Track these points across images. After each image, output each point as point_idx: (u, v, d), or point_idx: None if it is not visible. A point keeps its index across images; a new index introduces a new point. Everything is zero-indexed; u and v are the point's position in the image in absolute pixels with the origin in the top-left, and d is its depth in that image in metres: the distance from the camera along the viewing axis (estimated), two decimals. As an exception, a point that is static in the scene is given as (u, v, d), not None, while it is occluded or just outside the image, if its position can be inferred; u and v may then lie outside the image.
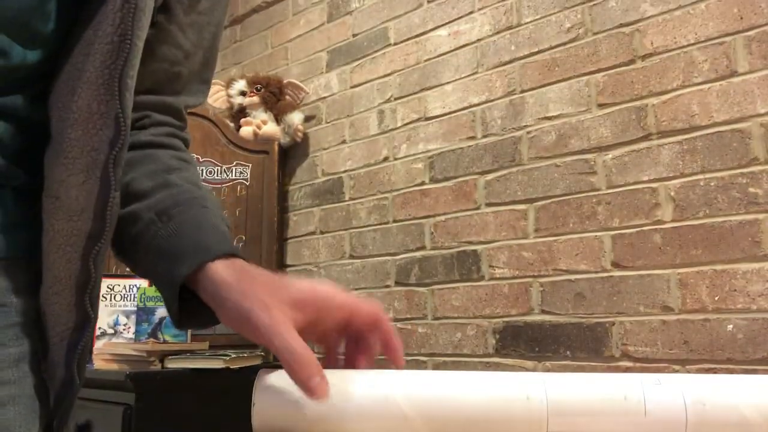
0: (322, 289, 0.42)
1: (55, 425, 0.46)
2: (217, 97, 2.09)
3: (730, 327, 1.16)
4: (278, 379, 0.42)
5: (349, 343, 0.45)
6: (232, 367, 1.57)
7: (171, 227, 0.45)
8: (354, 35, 1.96)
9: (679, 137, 1.27)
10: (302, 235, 1.97)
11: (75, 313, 0.44)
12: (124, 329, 1.79)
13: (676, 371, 1.21)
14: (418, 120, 1.73)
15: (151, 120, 0.52)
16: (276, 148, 2.00)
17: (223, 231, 0.46)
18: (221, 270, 0.42)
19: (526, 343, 1.42)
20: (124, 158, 0.44)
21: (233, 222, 1.99)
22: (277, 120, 2.01)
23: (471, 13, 1.67)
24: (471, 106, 1.62)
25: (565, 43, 1.47)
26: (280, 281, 0.42)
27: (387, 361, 0.43)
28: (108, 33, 0.41)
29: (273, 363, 1.83)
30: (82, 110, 0.41)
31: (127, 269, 1.93)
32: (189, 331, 1.73)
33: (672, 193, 1.26)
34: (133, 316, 1.77)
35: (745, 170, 1.18)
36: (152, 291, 1.75)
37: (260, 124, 1.98)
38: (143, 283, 1.85)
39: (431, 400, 0.41)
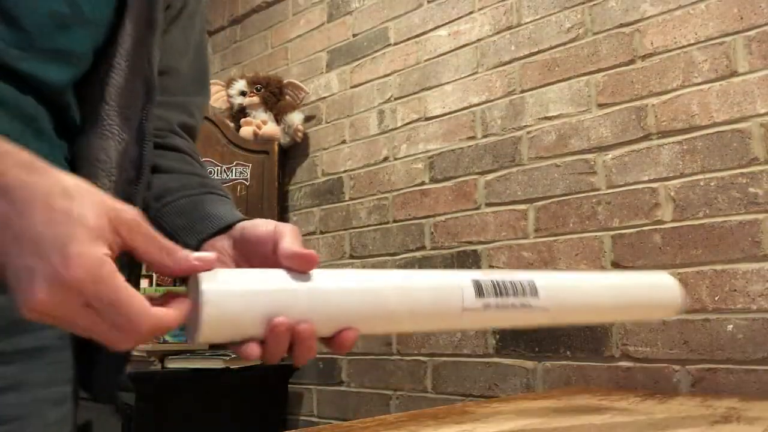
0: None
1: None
2: (217, 97, 2.09)
3: (730, 327, 1.16)
4: (230, 277, 0.42)
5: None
6: (232, 367, 1.57)
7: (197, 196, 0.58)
8: (354, 35, 1.96)
9: (679, 137, 1.27)
10: (302, 235, 1.97)
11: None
12: (124, 329, 1.79)
13: (676, 371, 1.21)
14: (418, 120, 1.73)
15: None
16: (276, 148, 2.00)
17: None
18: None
19: (526, 343, 1.42)
20: (153, 113, 0.54)
21: (233, 222, 1.99)
22: (277, 120, 2.01)
23: (471, 13, 1.67)
24: (471, 106, 1.62)
25: (565, 43, 1.47)
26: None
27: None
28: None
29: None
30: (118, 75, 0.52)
31: (127, 269, 1.94)
32: (189, 331, 1.73)
33: (672, 193, 1.26)
34: (133, 316, 1.77)
35: (745, 170, 1.18)
36: (152, 291, 1.75)
37: (260, 124, 1.98)
38: (143, 283, 1.85)
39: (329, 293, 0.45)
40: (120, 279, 0.35)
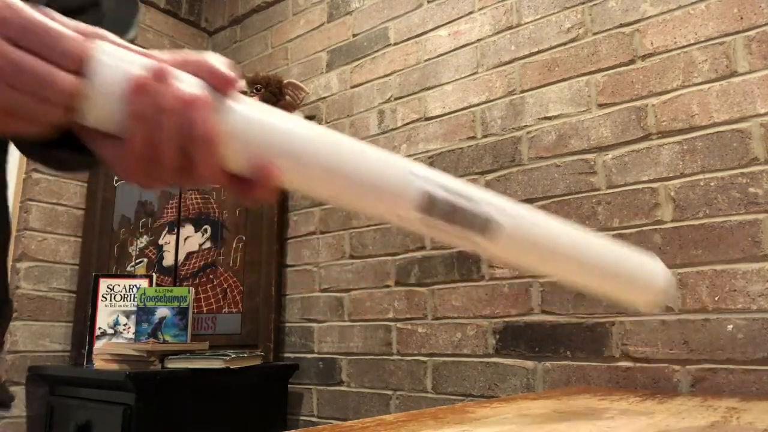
0: None
1: None
2: (217, 97, 2.09)
3: (730, 327, 1.16)
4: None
5: None
6: (232, 367, 1.57)
7: None
8: (354, 35, 1.96)
9: (679, 137, 1.27)
10: (302, 235, 1.97)
11: None
12: (124, 329, 1.79)
13: (676, 371, 1.21)
14: (418, 120, 1.73)
15: None
16: (276, 148, 2.00)
17: None
18: None
19: (526, 343, 1.42)
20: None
21: (233, 222, 1.99)
22: (277, 120, 2.01)
23: (471, 13, 1.67)
24: (471, 106, 1.62)
25: (565, 43, 1.47)
26: None
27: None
28: None
29: (274, 364, 1.82)
30: None
31: (127, 269, 1.94)
32: (189, 332, 1.73)
33: (672, 193, 1.26)
34: (133, 316, 1.77)
35: (745, 170, 1.19)
36: (152, 291, 1.75)
37: (260, 124, 1.98)
38: (143, 283, 1.85)
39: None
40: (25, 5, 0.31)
